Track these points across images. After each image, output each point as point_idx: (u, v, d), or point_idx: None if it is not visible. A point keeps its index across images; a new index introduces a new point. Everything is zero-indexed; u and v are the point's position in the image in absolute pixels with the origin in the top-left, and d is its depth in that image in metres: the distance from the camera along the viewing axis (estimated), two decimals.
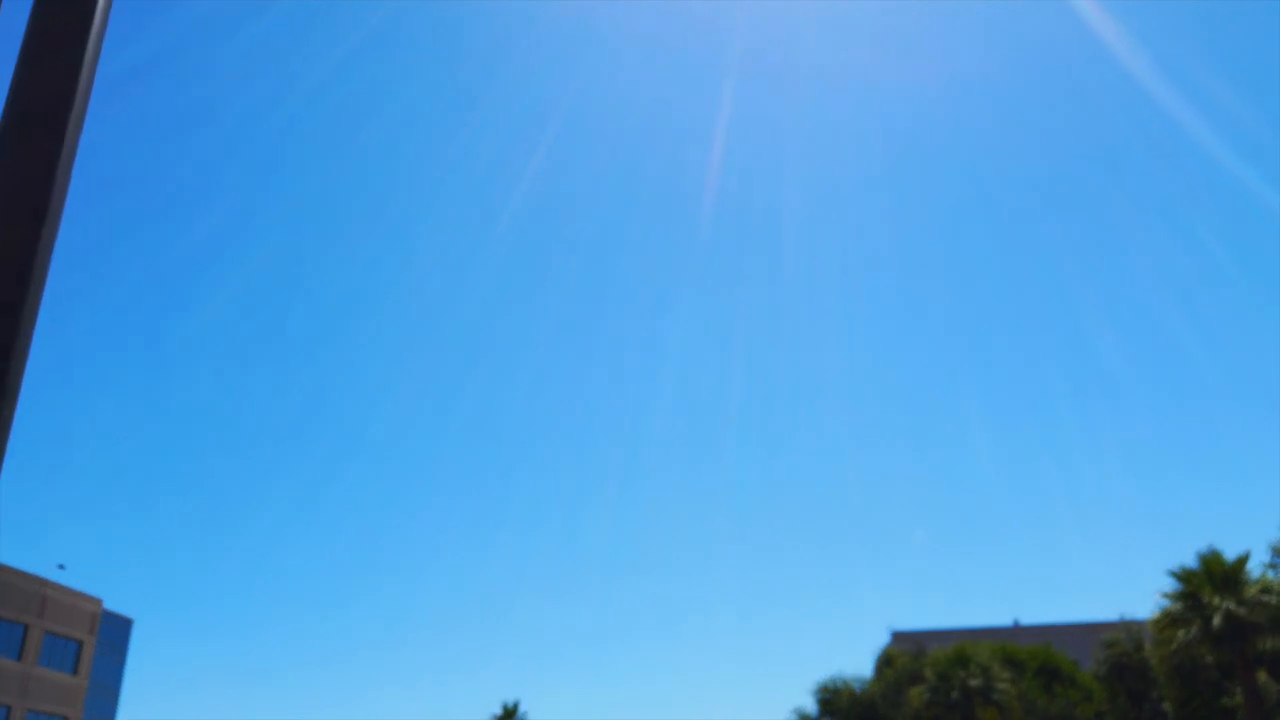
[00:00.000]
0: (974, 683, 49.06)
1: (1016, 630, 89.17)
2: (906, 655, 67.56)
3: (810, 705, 69.63)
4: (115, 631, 63.46)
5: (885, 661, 69.45)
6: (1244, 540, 39.87)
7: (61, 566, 79.78)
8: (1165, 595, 34.76)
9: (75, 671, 57.09)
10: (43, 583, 56.06)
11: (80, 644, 57.64)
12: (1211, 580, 33.10)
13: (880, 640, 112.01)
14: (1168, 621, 34.71)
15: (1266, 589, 32.27)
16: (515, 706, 71.45)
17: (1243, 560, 33.34)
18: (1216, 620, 31.57)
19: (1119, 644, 54.88)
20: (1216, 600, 32.24)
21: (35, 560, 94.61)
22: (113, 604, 64.46)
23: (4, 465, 1.61)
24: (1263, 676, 35.10)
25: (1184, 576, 33.95)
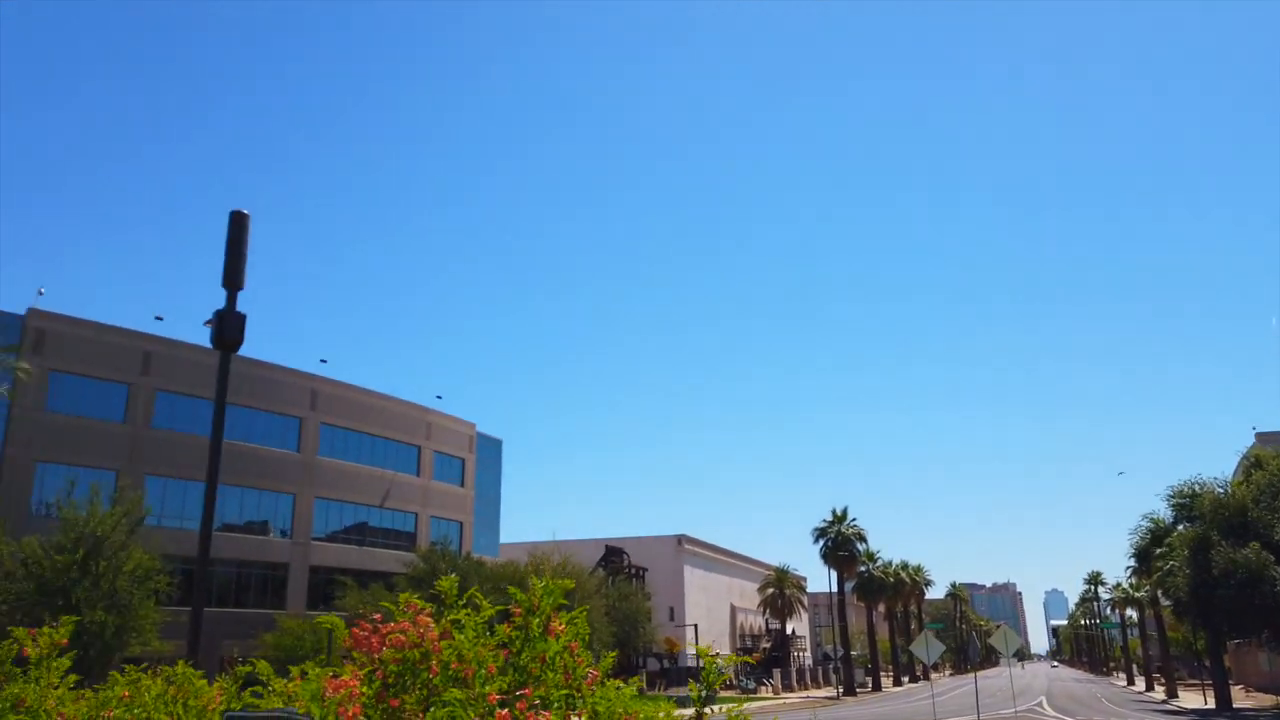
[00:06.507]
0: None
1: None
2: None
3: (1164, 511, 65.25)
4: (489, 450, 72.75)
5: (1253, 463, 63.12)
6: None
7: (439, 397, 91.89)
8: None
9: (463, 484, 66.56)
10: (425, 410, 65.08)
11: (463, 461, 66.86)
12: None
13: (1244, 442, 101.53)
14: None
15: None
16: (844, 512, 73.91)
17: None
18: None
19: None
20: None
21: (416, 393, 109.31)
22: (483, 427, 73.69)
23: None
24: None
25: None
